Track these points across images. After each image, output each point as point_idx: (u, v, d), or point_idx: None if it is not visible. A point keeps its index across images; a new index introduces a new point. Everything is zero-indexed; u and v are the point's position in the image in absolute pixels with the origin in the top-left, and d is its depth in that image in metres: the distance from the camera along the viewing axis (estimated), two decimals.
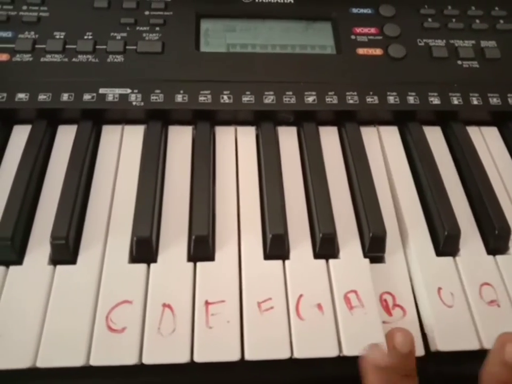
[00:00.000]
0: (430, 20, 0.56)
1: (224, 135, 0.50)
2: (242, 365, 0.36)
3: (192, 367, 0.36)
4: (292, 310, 0.38)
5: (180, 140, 0.49)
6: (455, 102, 0.51)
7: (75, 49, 0.51)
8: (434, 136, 0.51)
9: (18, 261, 0.39)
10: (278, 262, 0.40)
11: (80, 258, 0.40)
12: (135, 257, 0.40)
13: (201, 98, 0.48)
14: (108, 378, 0.36)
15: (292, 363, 0.36)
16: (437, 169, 0.47)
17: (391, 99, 0.50)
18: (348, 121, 0.50)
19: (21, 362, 0.34)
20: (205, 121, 0.49)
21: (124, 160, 0.47)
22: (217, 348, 0.36)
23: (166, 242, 0.41)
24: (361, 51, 0.53)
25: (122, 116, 0.49)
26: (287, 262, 0.40)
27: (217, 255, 0.41)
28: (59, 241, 0.39)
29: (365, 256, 0.42)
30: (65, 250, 0.39)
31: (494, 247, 0.43)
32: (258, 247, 0.41)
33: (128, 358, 0.35)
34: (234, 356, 0.36)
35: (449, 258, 0.42)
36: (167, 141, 0.49)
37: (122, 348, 0.35)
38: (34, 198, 0.43)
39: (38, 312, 0.36)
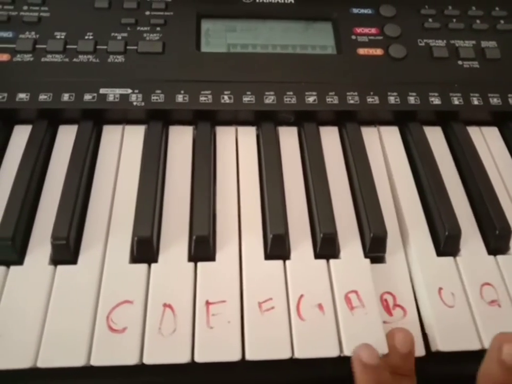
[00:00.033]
0: (430, 20, 0.56)
1: (224, 135, 0.50)
2: (243, 365, 0.36)
3: (193, 367, 0.36)
4: (292, 310, 0.38)
5: (181, 140, 0.49)
6: (456, 102, 0.51)
7: (76, 50, 0.51)
8: (435, 136, 0.51)
9: (19, 261, 0.39)
10: (279, 262, 0.40)
11: (80, 259, 0.40)
12: (135, 257, 0.40)
13: (202, 99, 0.48)
14: (108, 379, 0.36)
15: (292, 363, 0.36)
16: (438, 169, 0.47)
17: (392, 99, 0.50)
18: (349, 121, 0.50)
19: (21, 362, 0.34)
20: (206, 121, 0.49)
21: (125, 160, 0.47)
22: (218, 348, 0.36)
23: (167, 242, 0.41)
24: (361, 51, 0.53)
25: (123, 116, 0.49)
26: (287, 262, 0.40)
27: (218, 255, 0.41)
28: (60, 241, 0.39)
29: (366, 256, 0.42)
30: (66, 251, 0.39)
31: (494, 247, 0.43)
32: (259, 247, 0.41)
33: (129, 358, 0.35)
34: (235, 356, 0.36)
35: (450, 258, 0.42)
36: (168, 141, 0.49)
37: (123, 348, 0.35)
38: (35, 198, 0.43)
39: (38, 312, 0.36)
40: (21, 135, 0.47)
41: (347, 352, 0.36)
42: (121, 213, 0.43)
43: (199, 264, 0.40)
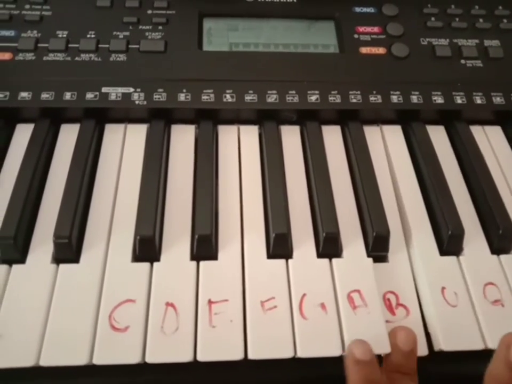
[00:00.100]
0: (433, 19, 0.56)
1: (227, 134, 0.50)
2: (246, 364, 0.36)
3: (195, 366, 0.36)
4: (295, 309, 0.38)
5: (183, 138, 0.49)
6: (459, 101, 0.51)
7: (78, 48, 0.51)
8: (438, 136, 0.51)
9: (21, 259, 0.39)
10: (281, 261, 0.40)
11: (83, 257, 0.40)
12: (138, 256, 0.40)
13: (204, 97, 0.48)
14: (111, 377, 0.36)
15: (295, 362, 0.36)
16: (441, 169, 0.47)
17: (395, 98, 0.50)
18: (351, 121, 0.50)
19: (24, 361, 0.34)
20: (208, 120, 0.49)
21: (127, 159, 0.47)
22: (220, 347, 0.36)
23: (169, 241, 0.41)
24: (364, 50, 0.53)
25: (125, 114, 0.49)
26: (290, 261, 0.40)
27: (220, 254, 0.41)
28: (62, 240, 0.39)
29: (368, 256, 0.41)
30: (68, 249, 0.39)
31: (498, 246, 0.43)
32: (261, 246, 0.41)
33: (131, 357, 0.35)
34: (237, 355, 0.35)
35: (453, 258, 0.42)
36: (170, 140, 0.49)
37: (125, 347, 0.35)
38: (37, 197, 0.43)
39: (41, 311, 0.36)
40: (23, 134, 0.47)
41: None
42: (123, 211, 0.43)
43: (202, 263, 0.40)
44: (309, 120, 0.50)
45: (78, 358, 0.35)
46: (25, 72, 0.49)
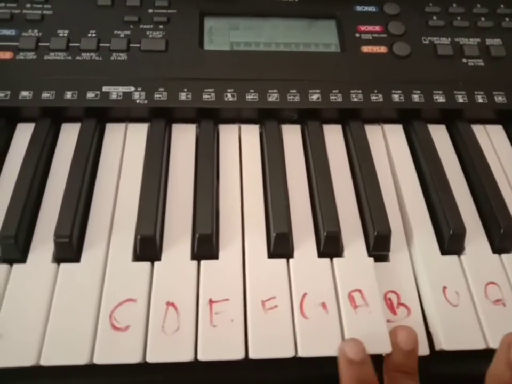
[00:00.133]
0: (434, 17, 0.56)
1: (228, 133, 0.49)
2: (246, 363, 0.36)
3: (196, 366, 0.36)
4: (296, 308, 0.38)
5: (184, 138, 0.49)
6: (460, 100, 0.50)
7: (79, 47, 0.51)
8: (439, 135, 0.51)
9: (22, 259, 0.39)
10: (282, 261, 0.40)
11: (83, 257, 0.40)
12: (138, 256, 0.40)
13: (205, 97, 0.48)
14: (111, 377, 0.36)
15: (296, 362, 0.36)
16: (442, 168, 0.47)
17: (396, 97, 0.50)
18: (352, 120, 0.50)
19: (24, 360, 0.34)
20: (209, 119, 0.49)
21: (128, 158, 0.47)
22: (221, 347, 0.36)
23: (170, 240, 0.41)
24: (365, 49, 0.53)
25: (126, 114, 0.49)
26: (291, 260, 0.40)
27: (221, 253, 0.41)
28: (63, 239, 0.39)
29: (370, 255, 0.41)
30: (69, 249, 0.39)
31: (499, 246, 0.43)
32: (262, 245, 0.41)
33: (132, 357, 0.35)
34: (238, 355, 0.35)
35: (454, 257, 0.42)
36: (171, 139, 0.49)
37: (126, 346, 0.35)
38: (38, 196, 0.43)
39: (41, 310, 0.36)
40: (23, 133, 0.47)
41: None
42: (124, 211, 0.43)
43: (202, 262, 0.40)
44: (310, 119, 0.50)
45: (78, 358, 0.35)
46: (26, 71, 0.49)
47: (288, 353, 0.36)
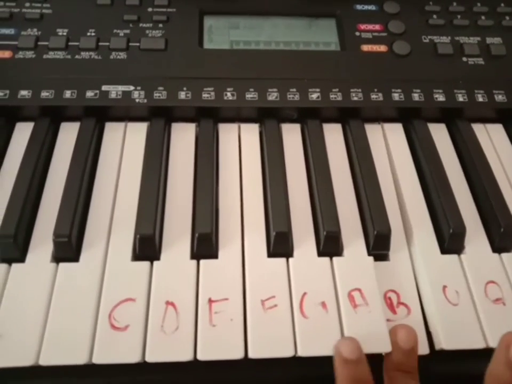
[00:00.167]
0: (435, 16, 0.56)
1: (227, 132, 0.49)
2: (246, 363, 0.36)
3: (195, 365, 0.36)
4: (295, 308, 0.37)
5: (183, 137, 0.49)
6: (460, 99, 0.50)
7: (78, 46, 0.50)
8: (439, 134, 0.51)
9: (21, 258, 0.39)
10: (282, 260, 0.40)
11: (83, 256, 0.40)
12: (138, 255, 0.40)
13: (205, 96, 0.48)
14: (110, 377, 0.36)
15: (295, 361, 0.36)
16: (442, 167, 0.47)
17: (396, 96, 0.50)
18: (352, 118, 0.50)
19: (23, 360, 0.34)
20: (208, 118, 0.49)
21: (127, 157, 0.46)
22: (220, 346, 0.36)
23: (169, 240, 0.41)
24: (365, 48, 0.53)
25: (125, 113, 0.49)
26: (290, 260, 0.40)
27: (221, 252, 0.40)
28: (62, 238, 0.39)
29: (369, 254, 0.41)
30: (68, 248, 0.39)
31: (499, 245, 0.43)
32: (262, 245, 0.41)
33: (131, 356, 0.35)
34: (237, 354, 0.35)
35: (454, 256, 0.42)
36: (170, 138, 0.49)
37: (125, 346, 0.35)
38: (37, 196, 0.43)
39: (40, 310, 0.36)
40: (22, 132, 0.47)
41: None
42: (124, 210, 0.42)
43: (202, 261, 0.40)
44: (310, 118, 0.50)
45: (77, 357, 0.35)
46: (25, 70, 0.49)
47: (287, 352, 0.36)
